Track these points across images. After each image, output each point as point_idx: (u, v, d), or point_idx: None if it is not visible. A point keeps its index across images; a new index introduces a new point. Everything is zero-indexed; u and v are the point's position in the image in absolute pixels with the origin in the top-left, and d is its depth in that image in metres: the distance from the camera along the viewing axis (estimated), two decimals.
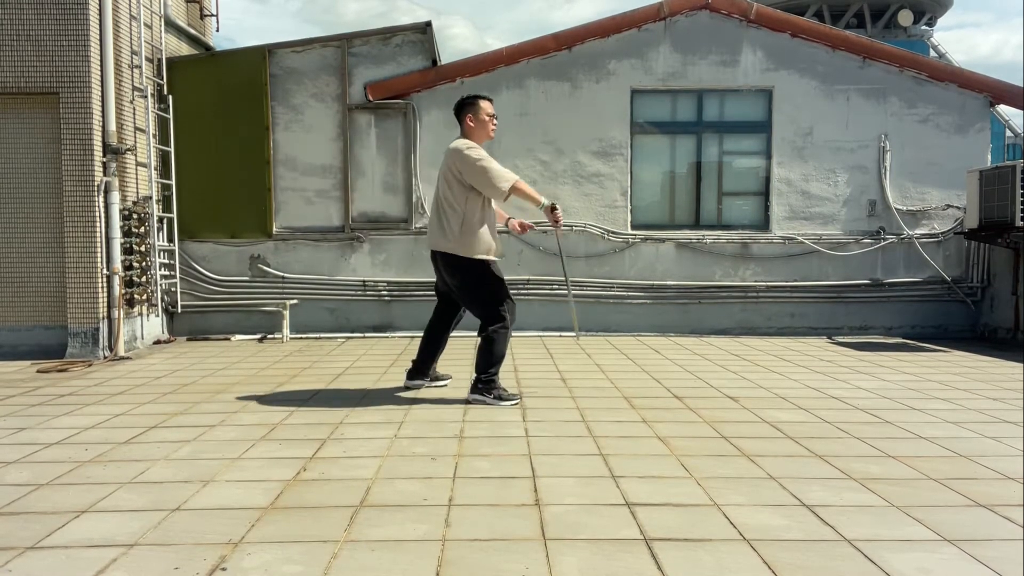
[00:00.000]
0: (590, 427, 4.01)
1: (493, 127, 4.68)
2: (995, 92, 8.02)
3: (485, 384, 4.57)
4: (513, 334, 7.88)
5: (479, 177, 4.46)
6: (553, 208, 4.52)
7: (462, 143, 4.56)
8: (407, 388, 5.02)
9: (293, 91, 7.90)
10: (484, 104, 4.64)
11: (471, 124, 4.61)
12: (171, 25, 7.89)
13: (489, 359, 4.58)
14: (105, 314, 6.63)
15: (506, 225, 5.02)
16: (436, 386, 5.08)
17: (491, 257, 4.59)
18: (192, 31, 8.43)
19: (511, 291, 4.72)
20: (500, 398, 4.54)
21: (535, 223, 5.28)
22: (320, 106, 7.92)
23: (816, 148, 8.04)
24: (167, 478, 3.17)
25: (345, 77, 7.85)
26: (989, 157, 8.08)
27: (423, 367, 5.02)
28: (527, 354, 6.68)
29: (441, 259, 4.65)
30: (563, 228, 4.39)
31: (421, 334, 5.09)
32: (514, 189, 4.46)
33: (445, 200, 4.57)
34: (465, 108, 4.64)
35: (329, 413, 4.37)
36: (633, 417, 4.25)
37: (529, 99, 7.97)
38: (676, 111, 8.09)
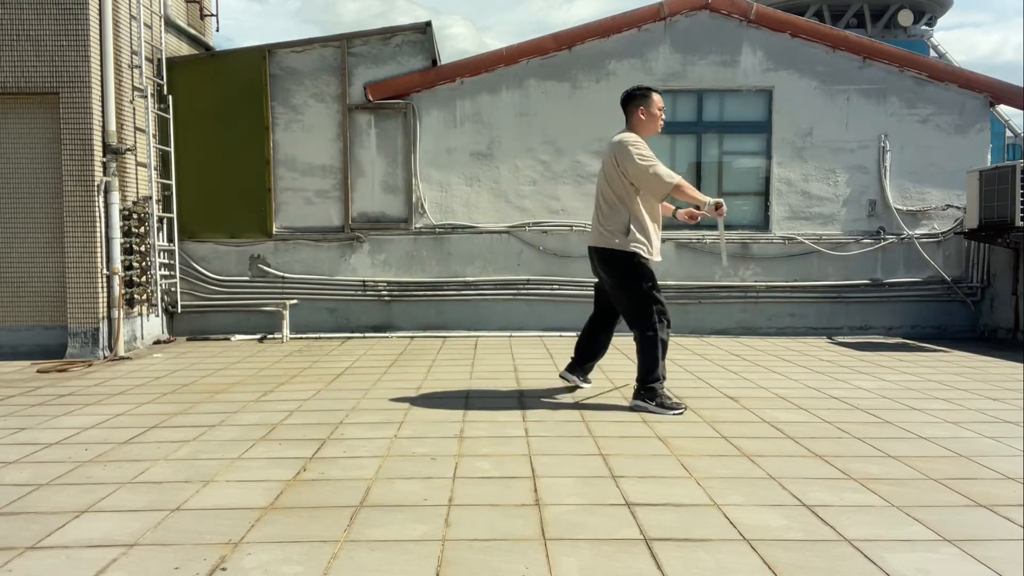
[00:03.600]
0: (590, 427, 4.01)
1: (662, 121, 4.61)
2: (995, 92, 8.02)
3: (647, 391, 4.41)
4: (513, 334, 8.01)
5: (641, 174, 4.35)
6: (718, 206, 4.36)
7: (629, 137, 4.46)
8: (563, 381, 5.01)
9: (293, 91, 7.90)
10: (656, 97, 4.56)
11: (642, 117, 4.52)
12: (171, 25, 7.89)
13: (643, 365, 4.44)
14: (105, 314, 6.63)
15: (674, 216, 4.84)
16: (583, 385, 5.02)
17: (647, 254, 4.44)
18: (192, 31, 8.44)
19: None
20: (663, 406, 4.34)
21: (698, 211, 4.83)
22: (320, 106, 7.92)
23: (816, 148, 8.04)
24: (167, 478, 3.17)
25: (345, 77, 7.85)
26: (989, 157, 8.08)
27: (580, 364, 4.98)
28: (527, 354, 6.68)
29: (596, 255, 4.61)
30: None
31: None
32: (676, 189, 4.32)
33: (604, 195, 4.54)
34: (636, 99, 4.54)
35: (329, 413, 4.37)
36: (633, 417, 4.25)
37: (529, 99, 7.97)
38: (676, 111, 8.08)
